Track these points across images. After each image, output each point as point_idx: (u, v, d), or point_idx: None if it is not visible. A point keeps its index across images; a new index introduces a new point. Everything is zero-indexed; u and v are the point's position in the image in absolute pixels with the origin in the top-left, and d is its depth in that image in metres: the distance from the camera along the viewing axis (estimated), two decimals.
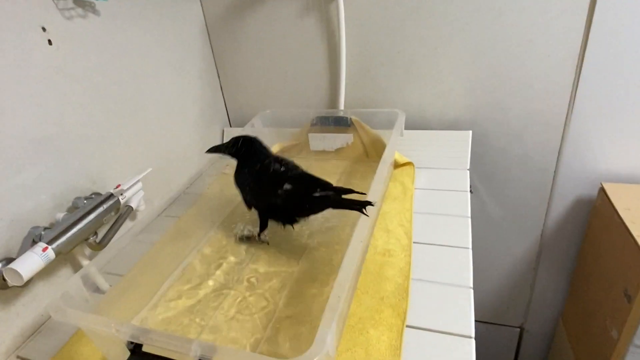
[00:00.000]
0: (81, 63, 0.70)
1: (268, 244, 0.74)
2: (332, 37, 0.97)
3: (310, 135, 1.02)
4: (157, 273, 0.69)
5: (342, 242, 0.73)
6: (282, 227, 0.71)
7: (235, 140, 0.73)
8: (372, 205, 0.58)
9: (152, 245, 0.69)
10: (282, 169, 0.69)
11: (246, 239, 0.76)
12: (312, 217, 0.73)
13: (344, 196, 0.62)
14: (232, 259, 0.72)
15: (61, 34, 0.66)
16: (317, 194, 0.64)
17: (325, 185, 0.65)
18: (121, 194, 0.71)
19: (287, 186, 0.66)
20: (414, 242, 0.70)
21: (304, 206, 0.66)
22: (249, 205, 0.74)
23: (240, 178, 0.73)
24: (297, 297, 0.62)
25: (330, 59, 1.00)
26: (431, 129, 0.99)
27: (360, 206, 0.58)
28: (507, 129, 0.95)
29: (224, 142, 0.80)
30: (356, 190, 0.63)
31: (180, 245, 0.75)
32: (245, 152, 0.73)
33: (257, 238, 0.75)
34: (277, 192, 0.66)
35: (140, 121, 0.84)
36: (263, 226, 0.74)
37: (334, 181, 0.91)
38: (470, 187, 0.86)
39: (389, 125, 0.88)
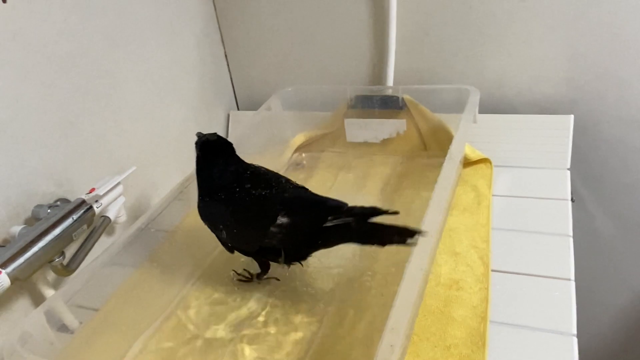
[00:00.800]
0: (43, 27, 0.71)
1: (278, 279, 0.73)
2: None
3: (347, 121, 1.02)
4: (143, 307, 0.70)
5: (378, 265, 0.72)
6: (287, 267, 0.70)
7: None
8: (422, 235, 0.55)
9: (135, 269, 0.70)
10: (266, 192, 0.64)
11: (244, 281, 0.75)
12: None
13: (372, 220, 0.60)
14: (241, 289, 0.73)
15: None
16: (329, 224, 0.61)
17: (338, 207, 0.62)
18: (96, 201, 0.71)
19: (282, 219, 0.62)
20: (493, 271, 0.70)
21: (313, 243, 0.64)
22: (230, 249, 0.70)
23: (208, 209, 0.67)
24: (332, 343, 0.62)
25: (375, 18, 1.00)
26: (516, 112, 0.98)
27: (404, 237, 0.56)
28: (625, 113, 0.93)
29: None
30: (384, 209, 0.59)
31: (173, 270, 0.76)
32: (210, 159, 0.67)
33: (256, 281, 0.74)
34: (269, 229, 0.63)
35: (119, 103, 0.85)
36: (264, 270, 0.73)
37: (380, 186, 0.92)
38: (572, 194, 0.85)
39: (457, 107, 0.87)
